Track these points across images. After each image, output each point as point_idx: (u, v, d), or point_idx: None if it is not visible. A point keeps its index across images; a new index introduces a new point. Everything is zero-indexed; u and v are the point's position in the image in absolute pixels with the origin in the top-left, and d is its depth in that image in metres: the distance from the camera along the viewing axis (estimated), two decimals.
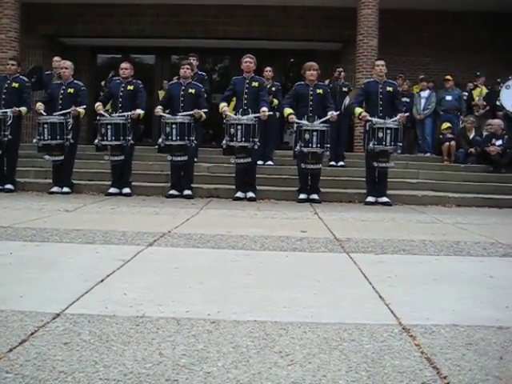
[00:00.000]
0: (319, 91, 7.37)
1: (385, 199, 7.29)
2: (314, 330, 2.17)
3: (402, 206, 7.25)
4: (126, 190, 7.56)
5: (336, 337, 2.10)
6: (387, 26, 11.25)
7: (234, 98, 7.67)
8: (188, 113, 7.30)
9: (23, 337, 2.00)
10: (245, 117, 7.15)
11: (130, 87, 7.63)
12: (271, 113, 7.51)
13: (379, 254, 3.79)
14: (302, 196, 7.39)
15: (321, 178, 7.58)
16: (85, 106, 7.55)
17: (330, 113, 7.19)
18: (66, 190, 7.62)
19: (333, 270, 3.29)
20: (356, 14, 11.03)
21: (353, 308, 2.49)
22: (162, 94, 10.28)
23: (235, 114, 7.26)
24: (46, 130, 7.36)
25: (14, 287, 2.68)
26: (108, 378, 1.68)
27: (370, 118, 7.15)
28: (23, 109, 7.67)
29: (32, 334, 2.04)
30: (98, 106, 7.58)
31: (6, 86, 7.75)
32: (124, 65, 7.75)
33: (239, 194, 7.42)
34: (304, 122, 7.15)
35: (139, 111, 7.45)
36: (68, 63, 7.84)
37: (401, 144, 7.20)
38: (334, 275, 3.16)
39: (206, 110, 7.43)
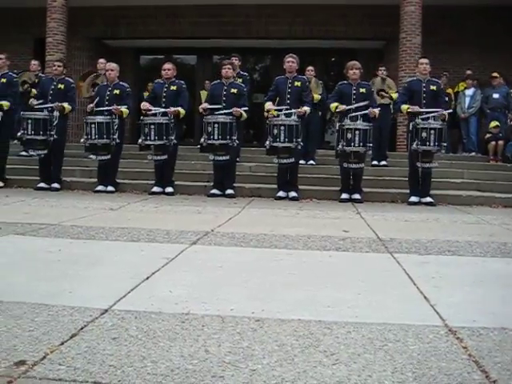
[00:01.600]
0: (362, 90, 7.30)
1: (428, 199, 7.17)
2: (358, 329, 2.17)
3: (447, 207, 7.13)
4: (169, 189, 7.66)
5: (381, 337, 2.09)
6: (430, 23, 11.04)
7: (277, 98, 7.66)
8: (228, 111, 7.33)
9: (73, 331, 2.06)
10: (288, 118, 7.15)
11: (173, 87, 7.72)
12: (308, 108, 7.42)
13: (423, 255, 3.74)
14: (344, 196, 7.35)
15: (363, 177, 7.51)
16: (126, 106, 7.67)
17: (369, 109, 7.11)
18: (110, 188, 7.78)
19: (376, 270, 3.26)
20: (399, 11, 10.88)
21: (397, 308, 2.47)
22: (203, 94, 10.38)
23: (278, 115, 7.25)
24: (93, 129, 7.53)
25: (63, 283, 2.75)
26: (156, 373, 1.72)
27: (420, 110, 7.00)
28: (66, 105, 7.83)
29: (82, 328, 2.10)
30: (145, 104, 7.67)
31: (53, 87, 7.95)
32: (167, 65, 7.85)
33: (281, 194, 7.42)
34: (347, 120, 7.10)
35: (179, 108, 7.51)
36: (113, 65, 7.99)
37: (445, 144, 7.07)
38: (377, 275, 3.13)
39: (246, 109, 7.45)
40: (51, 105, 7.75)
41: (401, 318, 2.32)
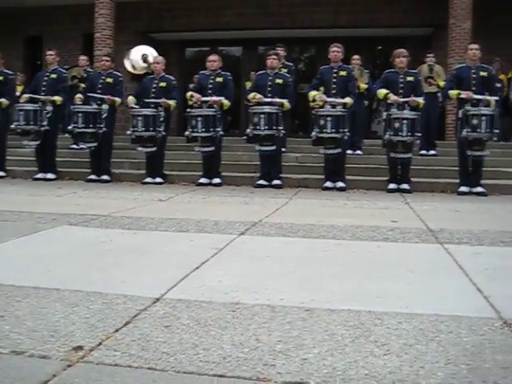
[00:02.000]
0: (410, 78, 7.17)
1: (479, 189, 6.99)
2: (409, 320, 2.14)
3: (499, 197, 6.94)
4: (216, 180, 7.72)
5: (432, 328, 2.06)
6: (481, 7, 10.71)
7: (322, 88, 7.59)
8: (272, 100, 7.30)
9: (127, 319, 2.11)
10: (333, 107, 7.10)
11: (219, 79, 7.76)
12: (350, 100, 7.33)
13: (475, 246, 3.66)
14: (392, 186, 7.25)
15: (411, 167, 7.39)
16: (175, 101, 7.78)
17: (411, 97, 6.95)
18: (158, 180, 7.91)
19: (426, 261, 3.22)
20: None
21: (449, 300, 2.43)
22: (249, 85, 10.38)
23: (323, 105, 7.20)
24: (139, 122, 7.66)
25: (115, 272, 2.82)
26: (208, 361, 1.74)
27: (472, 95, 6.82)
28: (117, 99, 8.01)
29: (135, 316, 2.15)
30: (191, 94, 7.73)
31: (101, 81, 8.13)
32: (212, 57, 7.90)
33: (328, 184, 7.39)
34: (394, 109, 6.99)
35: (222, 98, 7.54)
36: (159, 58, 8.11)
37: (497, 131, 6.86)
38: (427, 266, 3.09)
39: (286, 100, 7.42)
40: (103, 96, 7.92)
41: (453, 309, 2.28)
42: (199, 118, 7.47)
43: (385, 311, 2.24)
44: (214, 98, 7.51)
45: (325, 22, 12.83)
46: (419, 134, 6.99)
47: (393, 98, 7.02)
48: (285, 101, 7.38)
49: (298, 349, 1.85)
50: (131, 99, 7.89)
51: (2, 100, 8.28)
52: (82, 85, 9.56)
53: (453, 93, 7.04)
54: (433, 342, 1.93)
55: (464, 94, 6.87)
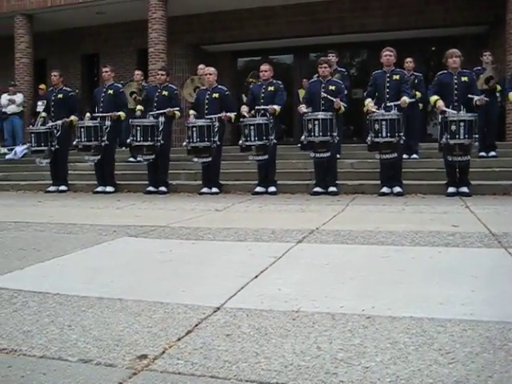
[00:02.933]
0: (464, 79, 7.00)
1: None
2: (474, 327, 2.08)
3: None
4: (272, 189, 7.75)
5: (500, 336, 1.99)
6: None
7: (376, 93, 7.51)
8: (331, 98, 7.26)
9: (189, 328, 2.14)
10: (388, 112, 7.01)
11: (271, 88, 7.81)
12: (413, 99, 7.25)
13: None
14: (451, 189, 7.08)
15: (470, 169, 7.19)
16: (235, 113, 7.90)
17: (477, 97, 6.78)
18: (214, 190, 8.00)
19: (490, 266, 3.12)
20: None
21: None
22: (301, 92, 10.39)
23: (378, 109, 7.12)
24: (194, 133, 7.79)
25: (176, 282, 2.87)
26: (270, 369, 1.74)
27: None
28: (177, 111, 8.20)
29: (196, 325, 2.17)
30: (244, 109, 7.85)
31: (157, 94, 8.32)
32: (264, 67, 7.96)
33: (385, 190, 7.29)
34: (451, 111, 6.84)
35: (275, 106, 7.58)
36: (212, 69, 8.22)
37: None
38: (491, 271, 2.99)
39: (345, 105, 7.40)
40: (163, 111, 8.12)
41: None
42: (252, 127, 7.53)
43: (448, 318, 2.18)
44: (269, 107, 7.56)
45: (375, 25, 12.70)
46: (477, 136, 6.81)
47: (441, 107, 6.87)
48: (342, 104, 7.34)
49: (360, 357, 1.83)
50: (192, 112, 8.07)
51: (72, 118, 8.60)
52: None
53: (511, 96, 6.85)
54: (501, 350, 1.86)
55: None
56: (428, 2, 12.29)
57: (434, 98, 7.05)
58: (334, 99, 7.28)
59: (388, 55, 7.28)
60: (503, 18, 10.41)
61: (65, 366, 1.79)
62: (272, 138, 7.55)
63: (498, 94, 8.85)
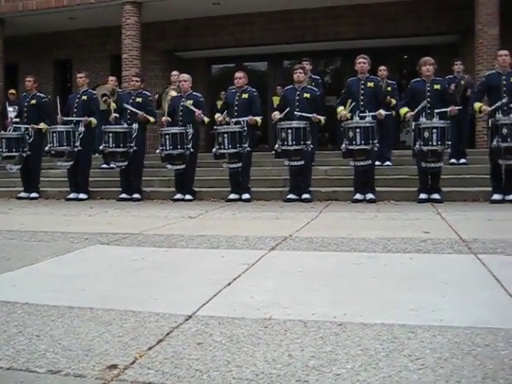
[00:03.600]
0: (437, 87, 7.11)
1: None
2: (443, 333, 2.10)
3: None
4: (246, 196, 7.75)
5: (468, 341, 2.02)
6: (508, 12, 10.58)
7: (349, 100, 7.59)
8: (307, 115, 7.36)
9: (160, 336, 2.12)
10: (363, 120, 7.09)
11: (245, 95, 7.83)
12: (389, 112, 7.39)
13: (510, 255, 3.58)
14: (423, 196, 7.17)
15: (442, 176, 7.30)
16: (209, 119, 7.91)
17: (450, 107, 6.90)
18: (188, 197, 7.97)
19: (460, 272, 3.16)
20: (473, 1, 10.51)
21: (484, 312, 2.38)
22: (275, 99, 10.44)
23: (352, 117, 7.20)
24: (167, 140, 7.75)
25: (148, 290, 2.85)
26: (241, 378, 1.74)
27: (489, 109, 6.78)
28: (151, 118, 8.16)
29: (168, 334, 2.16)
30: (219, 117, 7.88)
31: (131, 101, 8.26)
32: (238, 74, 7.98)
33: (358, 196, 7.35)
34: (423, 119, 6.94)
35: (257, 118, 7.63)
36: (186, 76, 8.21)
37: None
38: (461, 277, 3.04)
39: (324, 117, 7.49)
40: (138, 112, 8.04)
41: (489, 321, 2.23)
42: (226, 135, 7.53)
43: (418, 324, 2.21)
44: (251, 118, 7.57)
45: (349, 33, 12.84)
46: (449, 143, 6.91)
47: (410, 117, 7.02)
48: (322, 118, 7.43)
49: (331, 364, 1.83)
50: (166, 119, 8.03)
51: (42, 125, 8.50)
52: (113, 104, 9.74)
53: (476, 105, 7.00)
54: (469, 355, 1.89)
55: (483, 110, 6.88)
56: (400, 11, 12.48)
57: (403, 110, 7.19)
58: (311, 115, 7.34)
59: (362, 62, 7.36)
60: (473, 29, 10.61)
61: (33, 377, 1.76)
62: (246, 145, 7.55)
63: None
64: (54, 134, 8.14)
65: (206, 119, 7.92)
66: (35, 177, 8.86)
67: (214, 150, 7.71)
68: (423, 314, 2.36)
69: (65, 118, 8.27)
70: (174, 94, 8.93)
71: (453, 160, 8.86)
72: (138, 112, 8.02)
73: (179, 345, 2.03)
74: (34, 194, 8.74)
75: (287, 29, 13.10)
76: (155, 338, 2.10)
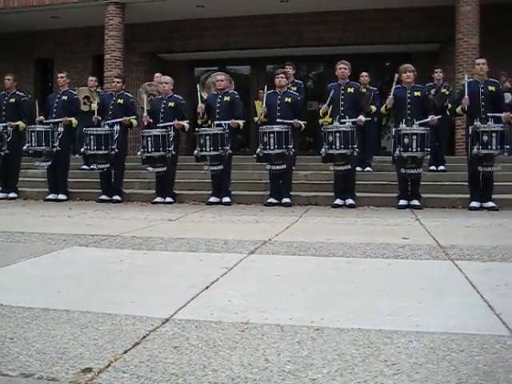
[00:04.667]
0: (417, 94, 7.17)
1: (490, 204, 6.95)
2: (419, 339, 2.12)
3: (511, 211, 6.88)
4: (226, 199, 7.73)
5: (443, 347, 2.04)
6: (489, 23, 10.74)
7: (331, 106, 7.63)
8: (288, 121, 7.39)
9: (136, 340, 2.11)
10: (343, 124, 7.13)
11: (227, 98, 7.82)
12: (369, 119, 7.45)
13: (487, 262, 3.63)
14: (402, 202, 7.22)
15: (421, 183, 7.37)
16: (188, 121, 7.88)
17: (430, 116, 6.98)
18: (168, 199, 7.93)
19: (437, 278, 3.19)
20: (454, 11, 10.65)
21: (460, 317, 2.40)
22: (258, 103, 10.45)
23: (332, 121, 7.23)
24: (149, 142, 7.71)
25: (125, 293, 2.83)
26: (217, 382, 1.73)
27: (467, 104, 6.89)
28: (133, 120, 8.11)
29: (144, 337, 2.14)
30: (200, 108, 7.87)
31: (112, 102, 8.21)
32: (219, 77, 7.98)
33: (338, 201, 7.38)
34: (403, 125, 7.00)
35: (240, 122, 7.64)
36: (168, 78, 8.18)
37: (507, 146, 6.82)
38: (438, 283, 3.06)
39: (305, 122, 7.52)
40: (119, 120, 8.00)
41: (464, 327, 2.25)
42: (207, 137, 7.51)
43: (395, 330, 2.22)
44: (233, 121, 7.57)
45: (332, 39, 12.92)
46: (429, 150, 6.98)
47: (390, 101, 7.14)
48: (302, 122, 7.47)
49: (308, 369, 1.84)
50: (147, 116, 7.99)
51: (19, 123, 8.40)
52: (94, 105, 9.67)
53: (458, 109, 7.08)
54: (444, 360, 1.91)
55: (463, 105, 6.92)
56: (384, 19, 12.58)
57: (384, 106, 7.28)
58: (292, 121, 7.37)
59: (343, 68, 7.40)
60: (454, 38, 10.75)
61: (4, 380, 1.73)
62: (227, 148, 7.54)
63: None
64: (33, 134, 8.05)
65: (187, 125, 7.87)
66: (14, 176, 8.75)
67: (195, 152, 7.69)
68: (400, 319, 2.37)
69: (45, 121, 8.18)
70: (144, 96, 8.87)
71: (432, 167, 8.95)
72: (121, 120, 7.97)
73: (155, 348, 2.02)
74: (12, 194, 8.62)
75: (271, 33, 13.13)
76: (131, 342, 2.08)
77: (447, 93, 9.06)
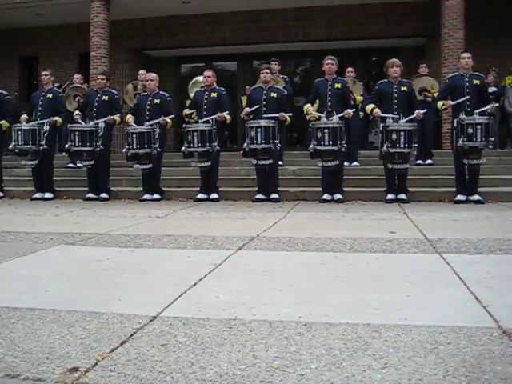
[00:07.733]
0: (404, 88, 7.20)
1: (477, 197, 7.00)
2: (407, 332, 2.12)
3: (496, 204, 6.94)
4: (214, 196, 7.72)
5: (431, 340, 2.04)
6: (474, 16, 10.79)
7: (317, 100, 7.64)
8: (273, 115, 7.39)
9: (123, 338, 2.09)
10: (330, 120, 7.13)
11: (214, 94, 7.80)
12: (353, 110, 7.46)
13: (473, 254, 3.65)
14: (390, 196, 7.25)
15: (408, 177, 7.40)
16: (172, 116, 7.84)
17: (416, 111, 7.01)
18: (156, 196, 7.90)
19: (425, 272, 3.20)
20: (439, 6, 10.68)
21: (447, 310, 2.41)
22: (244, 99, 10.43)
23: (320, 117, 7.23)
24: (134, 139, 7.67)
25: (112, 291, 2.81)
26: (204, 379, 1.72)
27: (451, 103, 6.95)
28: (117, 118, 8.06)
29: (131, 335, 2.13)
30: (187, 113, 7.83)
31: (97, 99, 8.16)
32: (207, 73, 7.95)
33: (326, 196, 7.39)
34: (389, 117, 7.00)
35: (226, 115, 7.60)
36: (153, 75, 8.14)
37: (492, 139, 6.87)
38: (426, 276, 3.07)
39: (290, 114, 7.51)
40: (105, 119, 7.94)
41: (451, 320, 2.26)
42: (195, 134, 7.49)
43: (383, 323, 2.22)
44: (220, 114, 7.54)
45: (319, 34, 12.93)
46: (416, 145, 7.00)
47: (377, 114, 7.11)
48: (287, 115, 7.45)
49: (296, 364, 1.83)
50: (130, 117, 7.92)
51: (3, 122, 8.32)
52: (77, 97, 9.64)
53: (438, 104, 7.13)
54: (431, 353, 1.91)
55: (445, 105, 7.02)
56: (370, 13, 12.61)
57: (369, 106, 7.28)
58: (278, 114, 7.37)
59: (330, 63, 7.40)
60: (439, 32, 10.78)
61: None
62: (215, 144, 7.52)
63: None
64: (19, 132, 7.98)
65: (170, 121, 7.82)
66: None
67: (183, 148, 7.66)
68: (388, 313, 2.38)
69: (31, 123, 8.10)
70: (130, 88, 8.84)
71: (419, 161, 8.99)
72: (106, 119, 7.91)
73: (143, 346, 2.01)
74: None
75: (257, 29, 13.11)
76: (118, 340, 2.07)
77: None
